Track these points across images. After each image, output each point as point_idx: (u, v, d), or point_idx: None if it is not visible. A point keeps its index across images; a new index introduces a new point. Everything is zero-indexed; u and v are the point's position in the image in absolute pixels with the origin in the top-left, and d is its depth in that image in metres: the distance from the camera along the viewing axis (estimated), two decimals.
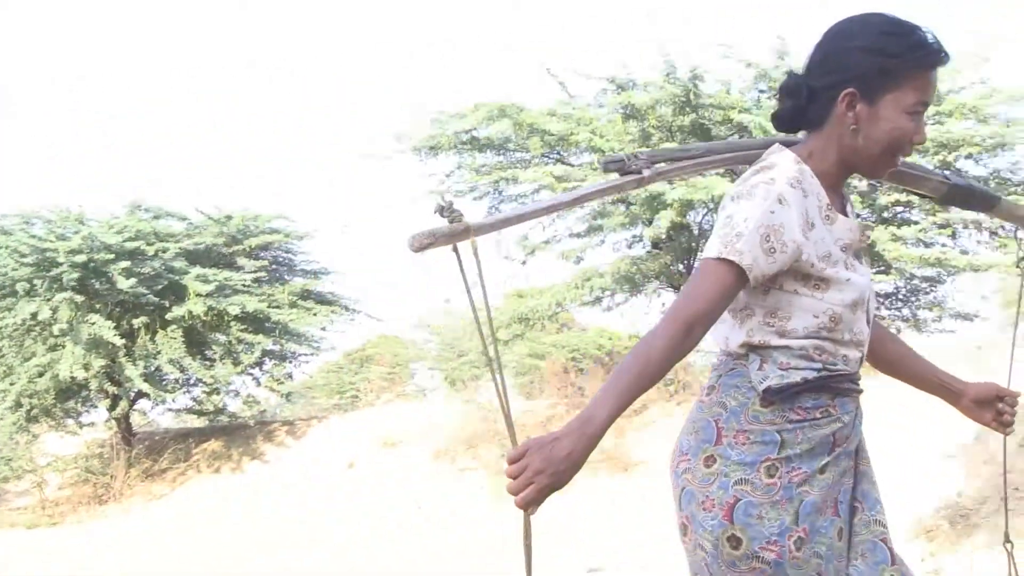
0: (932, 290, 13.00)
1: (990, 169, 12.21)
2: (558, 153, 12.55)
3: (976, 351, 15.77)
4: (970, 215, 11.81)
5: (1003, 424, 2.05)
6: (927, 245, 11.67)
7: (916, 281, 12.81)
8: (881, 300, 13.65)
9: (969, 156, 11.94)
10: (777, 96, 1.93)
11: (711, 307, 1.68)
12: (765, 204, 1.73)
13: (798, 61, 12.04)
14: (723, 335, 1.86)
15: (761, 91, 12.01)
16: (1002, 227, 11.97)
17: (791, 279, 1.77)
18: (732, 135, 11.85)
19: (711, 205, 11.30)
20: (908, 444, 7.73)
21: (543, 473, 1.47)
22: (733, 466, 1.76)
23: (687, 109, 11.30)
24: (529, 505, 1.48)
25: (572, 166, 12.28)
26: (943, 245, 11.85)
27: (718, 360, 1.89)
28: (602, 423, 1.53)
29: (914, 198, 11.30)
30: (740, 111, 11.38)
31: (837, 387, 1.81)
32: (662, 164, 1.96)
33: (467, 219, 1.77)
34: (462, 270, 1.76)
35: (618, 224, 11.97)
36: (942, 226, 11.69)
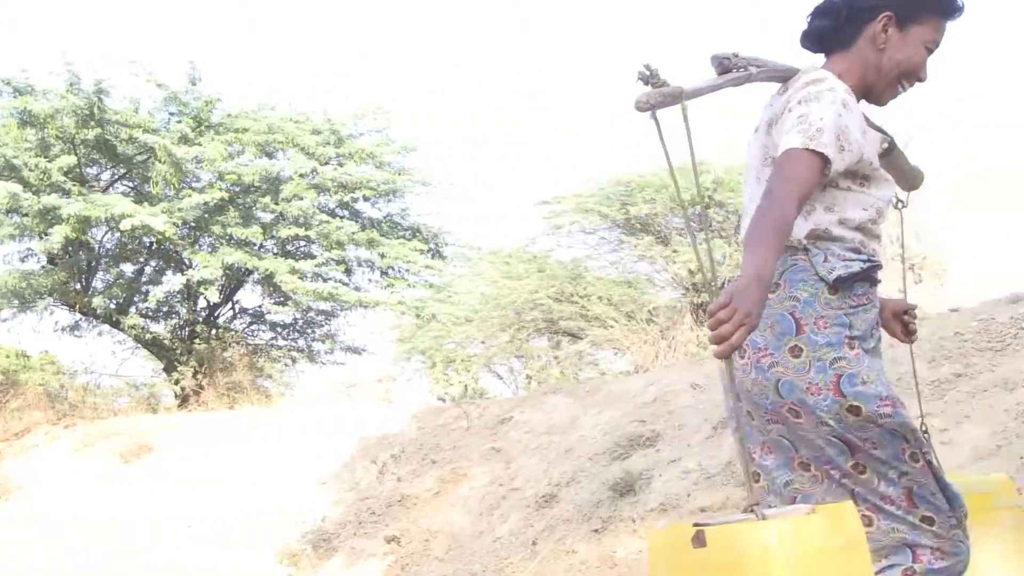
0: (327, 323, 15.33)
1: (384, 212, 14.87)
2: None
3: (378, 383, 19.34)
4: (364, 254, 15.01)
5: (908, 333, 2.62)
6: (324, 280, 13.77)
7: (312, 314, 15.02)
8: (279, 331, 16.36)
9: (367, 199, 14.94)
10: (809, 17, 2.47)
11: (809, 189, 2.16)
12: (834, 107, 2.23)
13: (210, 87, 14.25)
14: None
15: (171, 113, 13.39)
16: (391, 267, 15.44)
17: (844, 177, 2.30)
18: (139, 154, 13.28)
19: (112, 223, 12.71)
20: (283, 471, 9.03)
21: (750, 316, 1.84)
22: (822, 349, 2.20)
23: (91, 123, 12.30)
24: (734, 348, 1.83)
25: None
26: (338, 281, 14.04)
27: None
28: (771, 274, 1.96)
29: (312, 232, 14.10)
30: (147, 131, 12.61)
31: (874, 277, 2.34)
32: (753, 67, 2.41)
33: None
34: (660, 135, 2.16)
35: (7, 235, 12.55)
36: (338, 262, 14.39)
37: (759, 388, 2.26)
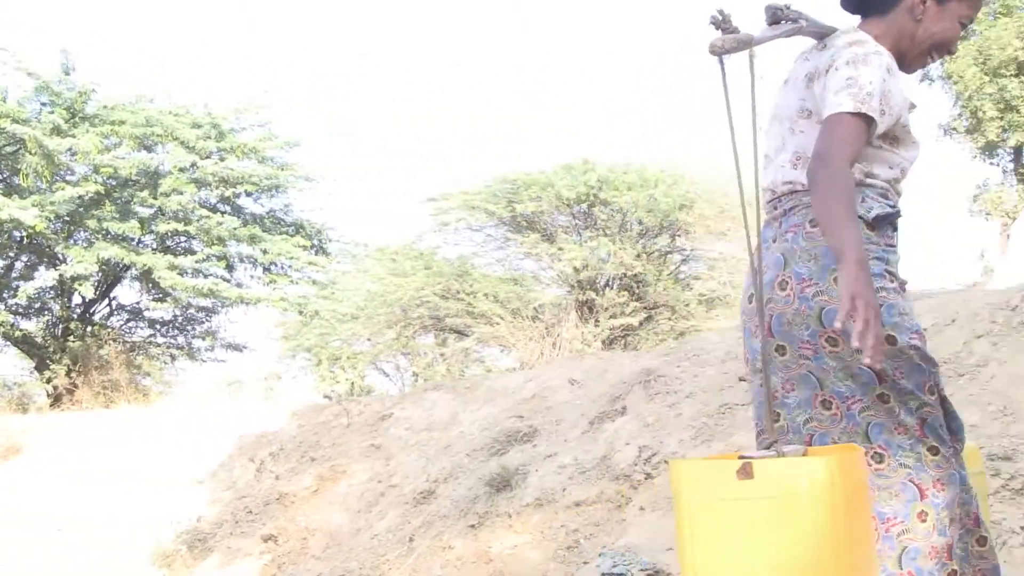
0: (207, 320, 15.09)
1: (267, 208, 14.65)
2: None
3: (263, 381, 19.04)
4: (246, 250, 14.76)
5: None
6: (204, 276, 13.51)
7: (192, 310, 14.75)
8: (158, 328, 15.99)
9: (249, 194, 14.73)
10: None
11: (860, 151, 2.31)
12: (880, 71, 2.33)
13: (85, 77, 13.86)
14: None
15: (43, 103, 12.99)
16: (274, 263, 15.22)
17: (878, 137, 2.39)
18: (7, 146, 12.78)
19: None
20: (160, 471, 8.83)
21: (871, 304, 2.01)
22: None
23: None
24: (880, 349, 1.99)
25: None
26: (219, 277, 13.80)
27: (810, 200, 2.34)
28: (863, 250, 2.09)
29: (192, 228, 13.81)
30: (16, 121, 12.20)
31: (897, 223, 2.48)
32: (803, 20, 2.49)
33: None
34: (724, 80, 2.27)
35: None
36: (219, 258, 13.79)
37: (801, 318, 2.35)
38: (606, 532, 5.19)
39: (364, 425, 8.10)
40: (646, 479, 5.39)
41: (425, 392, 8.33)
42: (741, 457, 1.86)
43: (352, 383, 16.96)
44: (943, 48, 2.56)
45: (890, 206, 2.44)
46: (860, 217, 2.33)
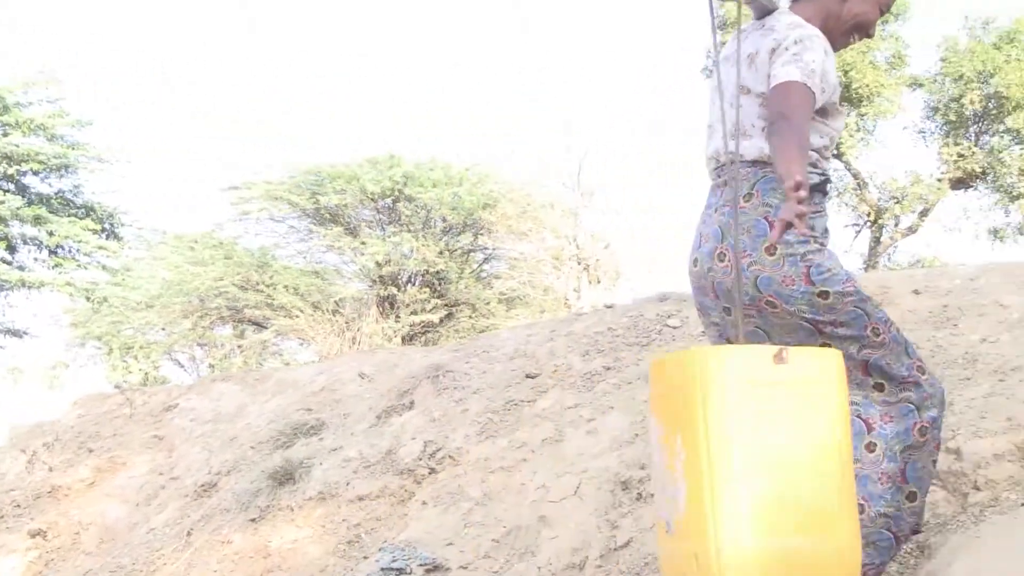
0: None
1: (55, 188, 13.91)
2: None
3: (51, 370, 18.08)
4: (30, 231, 14.01)
5: None
6: None
7: None
8: None
9: (35, 172, 14.04)
10: None
11: (809, 115, 2.55)
12: (820, 53, 2.59)
13: None
14: (758, 147, 2.64)
15: None
16: (61, 246, 14.48)
17: (815, 111, 2.62)
18: None
19: None
20: None
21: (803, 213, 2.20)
22: (793, 247, 2.54)
23: None
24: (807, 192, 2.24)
25: None
26: None
27: (746, 172, 2.65)
28: (806, 178, 2.29)
29: None
30: None
31: (826, 190, 2.74)
32: None
33: None
34: (712, 19, 2.54)
35: None
36: (0, 238, 13.68)
37: (739, 284, 2.56)
38: (388, 527, 5.16)
39: (148, 416, 7.80)
40: (430, 474, 5.39)
41: (213, 383, 8.09)
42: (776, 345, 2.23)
43: (146, 373, 16.36)
44: (863, 30, 2.82)
45: (819, 174, 2.71)
46: None
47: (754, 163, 2.68)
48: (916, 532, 2.82)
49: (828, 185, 2.78)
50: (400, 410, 6.13)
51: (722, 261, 2.66)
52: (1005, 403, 3.86)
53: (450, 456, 5.40)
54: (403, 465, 5.46)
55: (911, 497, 2.68)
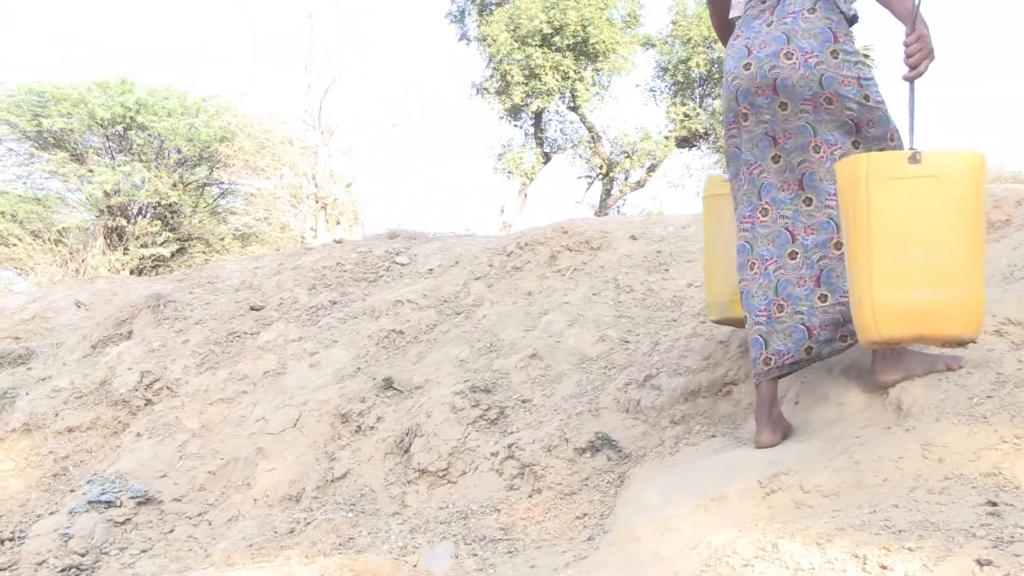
0: None
1: None
2: None
3: None
4: None
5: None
6: None
7: None
8: None
9: None
10: None
11: None
12: None
13: None
14: None
15: None
16: None
17: None
18: None
19: None
20: None
21: (933, 51, 2.80)
22: (851, 55, 3.04)
23: None
24: (921, 75, 2.78)
25: None
26: None
27: None
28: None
29: None
30: None
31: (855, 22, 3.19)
32: None
33: None
34: None
35: None
36: None
37: (805, 81, 3.04)
38: (99, 459, 4.90)
39: None
40: (146, 405, 5.16)
41: None
42: (911, 149, 2.69)
43: None
44: None
45: (854, 10, 3.17)
46: (842, 12, 3.10)
47: None
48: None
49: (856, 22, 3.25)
50: (117, 340, 5.82)
51: (789, 59, 3.06)
52: (704, 344, 4.06)
53: (168, 387, 5.18)
54: (117, 396, 5.19)
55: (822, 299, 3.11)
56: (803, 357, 3.10)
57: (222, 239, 14.33)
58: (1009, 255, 3.86)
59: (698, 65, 17.68)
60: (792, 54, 3.07)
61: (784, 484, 2.75)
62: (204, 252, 14.27)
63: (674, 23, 18.37)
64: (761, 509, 2.73)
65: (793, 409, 3.27)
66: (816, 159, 3.08)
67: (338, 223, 15.12)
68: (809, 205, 3.11)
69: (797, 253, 3.12)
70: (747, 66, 3.15)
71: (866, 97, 3.03)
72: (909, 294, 2.66)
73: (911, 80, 2.80)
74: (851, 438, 2.85)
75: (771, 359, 3.12)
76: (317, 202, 14.47)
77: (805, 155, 3.10)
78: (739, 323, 3.59)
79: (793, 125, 3.09)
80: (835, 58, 3.04)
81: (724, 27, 3.52)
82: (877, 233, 2.68)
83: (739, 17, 3.34)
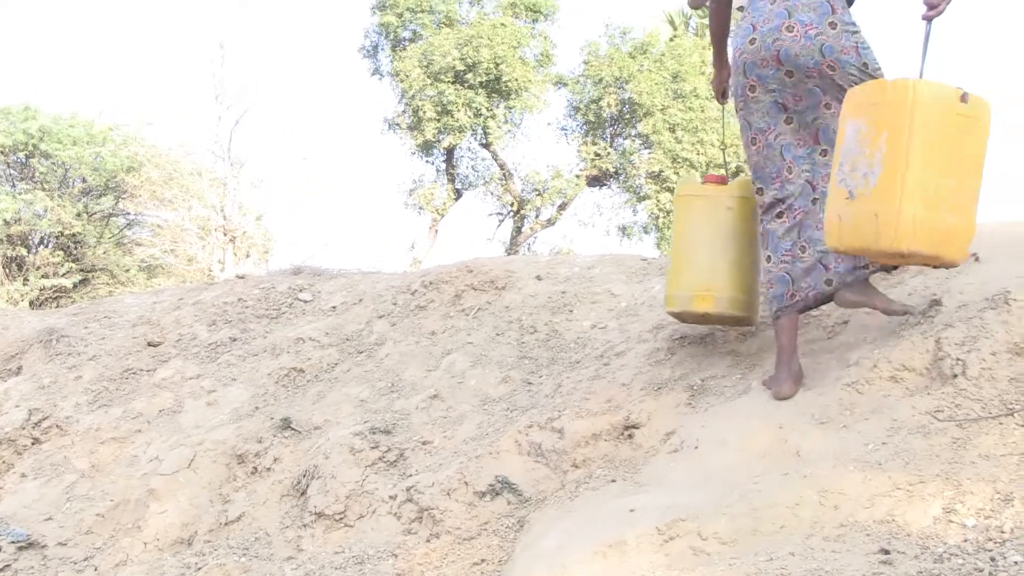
0: None
1: None
2: None
3: None
4: None
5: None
6: None
7: None
8: None
9: None
10: None
11: None
12: None
13: None
14: None
15: None
16: None
17: None
18: None
19: None
20: None
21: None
22: (848, 25, 3.29)
23: None
24: (941, 13, 2.96)
25: None
26: None
27: None
28: None
29: None
30: None
31: None
32: None
33: None
34: None
35: None
36: None
37: (807, 51, 3.29)
38: None
39: None
40: (33, 444, 4.93)
41: None
42: (959, 89, 2.86)
43: None
44: None
45: None
46: None
47: None
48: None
49: None
50: (5, 375, 5.57)
51: (791, 32, 3.31)
52: (607, 386, 4.01)
53: (58, 425, 4.97)
54: (2, 435, 4.95)
55: None
56: (824, 290, 3.38)
57: (127, 271, 13.95)
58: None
59: (609, 105, 17.86)
60: (793, 27, 3.33)
61: (682, 530, 2.70)
62: (108, 284, 13.88)
63: (586, 63, 18.55)
64: (659, 556, 2.67)
65: (693, 454, 3.23)
66: (829, 114, 3.36)
67: (247, 256, 14.85)
68: (825, 156, 3.40)
69: (817, 200, 3.40)
70: (752, 41, 3.41)
71: (865, 64, 3.27)
72: (939, 216, 2.87)
73: (929, 20, 2.98)
74: (750, 484, 2.82)
75: (796, 294, 3.41)
76: (225, 235, 14.18)
77: (817, 112, 3.38)
78: (696, 319, 3.86)
79: (802, 89, 3.36)
80: (833, 29, 3.29)
81: (724, 34, 3.82)
82: (916, 155, 2.85)
83: (743, 8, 3.57)
